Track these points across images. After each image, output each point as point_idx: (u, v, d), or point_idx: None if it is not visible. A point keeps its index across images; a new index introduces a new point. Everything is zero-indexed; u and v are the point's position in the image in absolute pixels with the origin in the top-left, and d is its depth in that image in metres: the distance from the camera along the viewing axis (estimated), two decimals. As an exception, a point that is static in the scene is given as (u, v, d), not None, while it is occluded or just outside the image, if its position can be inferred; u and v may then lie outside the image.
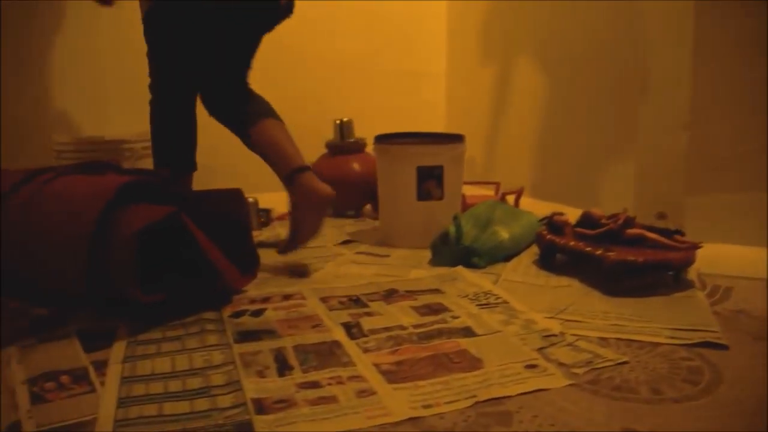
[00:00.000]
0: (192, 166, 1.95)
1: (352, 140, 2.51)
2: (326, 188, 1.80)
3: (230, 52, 2.00)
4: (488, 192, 2.50)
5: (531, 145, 2.71)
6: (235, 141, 1.98)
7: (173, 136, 1.93)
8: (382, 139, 2.06)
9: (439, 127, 3.15)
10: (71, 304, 1.40)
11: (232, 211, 1.48)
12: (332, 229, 2.26)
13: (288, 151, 1.85)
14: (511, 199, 2.35)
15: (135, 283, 1.24)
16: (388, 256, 1.89)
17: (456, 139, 2.02)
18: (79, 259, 1.23)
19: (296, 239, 1.83)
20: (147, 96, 1.90)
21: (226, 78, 2.01)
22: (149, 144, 2.36)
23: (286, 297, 1.50)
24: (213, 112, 2.02)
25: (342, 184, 2.42)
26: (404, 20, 3.10)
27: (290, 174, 1.80)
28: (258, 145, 1.91)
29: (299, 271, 1.71)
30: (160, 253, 1.35)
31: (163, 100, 1.91)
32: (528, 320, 1.34)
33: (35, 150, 2.50)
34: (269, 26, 2.00)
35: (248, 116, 1.94)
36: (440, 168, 1.95)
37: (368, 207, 2.54)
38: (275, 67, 2.88)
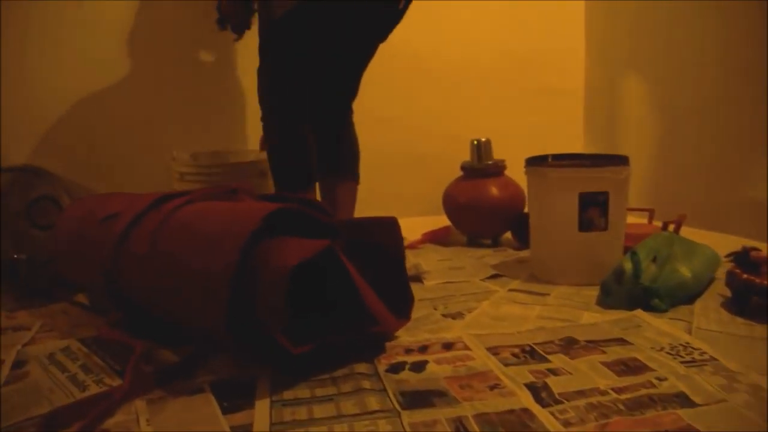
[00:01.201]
0: (311, 181, 1.88)
1: (490, 162, 2.28)
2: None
3: (351, 57, 1.93)
4: (639, 219, 2.22)
5: (685, 167, 2.41)
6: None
7: (291, 152, 1.84)
8: (535, 162, 1.83)
9: (576, 147, 2.89)
10: (205, 349, 1.22)
11: (385, 242, 1.27)
12: (471, 260, 2.04)
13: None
14: (670, 228, 2.07)
15: (283, 329, 1.04)
16: (547, 294, 1.64)
17: (620, 161, 1.76)
18: (220, 299, 1.04)
19: None
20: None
21: (338, 93, 1.97)
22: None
23: (447, 346, 1.27)
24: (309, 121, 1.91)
25: (479, 210, 2.22)
26: (540, 33, 2.86)
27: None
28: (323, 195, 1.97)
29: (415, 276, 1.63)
30: (306, 293, 1.15)
31: (280, 113, 1.84)
32: (753, 385, 1.07)
33: (151, 168, 2.38)
34: (387, 29, 1.93)
35: (334, 166, 1.98)
36: (605, 194, 1.70)
37: (508, 235, 2.29)
38: (408, 83, 2.71)
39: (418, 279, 1.78)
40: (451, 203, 2.29)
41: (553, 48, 2.89)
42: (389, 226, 1.28)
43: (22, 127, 2.34)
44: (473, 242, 2.30)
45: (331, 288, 1.20)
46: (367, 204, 2.61)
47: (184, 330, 1.24)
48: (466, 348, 1.26)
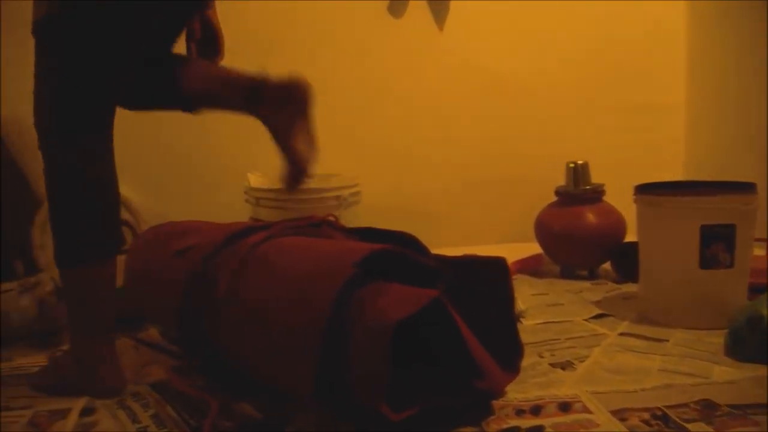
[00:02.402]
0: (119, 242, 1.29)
1: (588, 187, 2.09)
2: (297, 79, 1.45)
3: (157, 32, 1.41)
4: (758, 251, 2.00)
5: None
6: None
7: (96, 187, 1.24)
8: (647, 189, 1.64)
9: (676, 169, 2.67)
10: (289, 404, 1.09)
11: (493, 285, 1.12)
12: (569, 295, 1.86)
13: (233, 73, 1.48)
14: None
15: (383, 391, 0.89)
16: (665, 340, 1.46)
17: (748, 189, 1.56)
18: (309, 354, 0.90)
19: (296, 163, 1.46)
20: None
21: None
22: (358, 190, 2.09)
23: (563, 406, 1.11)
24: (134, 102, 1.50)
25: (576, 239, 2.04)
26: (636, 45, 2.66)
27: (251, 90, 1.45)
28: (198, 92, 1.49)
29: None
30: (404, 344, 1.00)
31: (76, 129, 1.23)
32: None
33: (227, 191, 2.28)
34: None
35: (173, 71, 1.47)
36: (731, 227, 1.50)
37: (606, 266, 2.10)
38: (496, 103, 2.55)
39: (516, 318, 1.62)
40: (545, 231, 2.12)
41: (650, 59, 2.68)
42: (498, 267, 1.12)
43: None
44: (568, 273, 2.12)
45: (432, 338, 1.05)
46: (452, 228, 2.47)
47: (267, 386, 1.10)
48: (586, 410, 1.09)
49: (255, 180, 2.05)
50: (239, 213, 2.13)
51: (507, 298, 1.14)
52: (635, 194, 1.66)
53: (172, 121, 2.26)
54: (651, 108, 2.67)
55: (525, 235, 2.25)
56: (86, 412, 1.17)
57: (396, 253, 0.99)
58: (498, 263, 1.13)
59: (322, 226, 1.22)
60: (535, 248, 2.21)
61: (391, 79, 2.46)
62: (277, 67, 2.16)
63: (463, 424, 1.03)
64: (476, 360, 1.03)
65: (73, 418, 1.14)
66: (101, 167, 1.24)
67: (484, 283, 1.12)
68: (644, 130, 2.66)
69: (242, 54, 2.32)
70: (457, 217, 2.27)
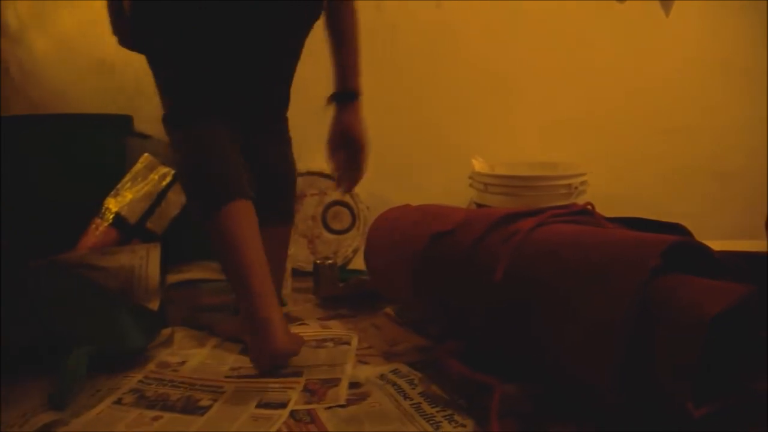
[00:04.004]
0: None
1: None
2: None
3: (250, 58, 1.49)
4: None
5: None
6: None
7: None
8: None
9: None
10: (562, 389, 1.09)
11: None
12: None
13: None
14: None
15: (690, 386, 0.88)
16: None
17: None
18: (612, 345, 0.90)
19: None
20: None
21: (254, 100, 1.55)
22: (586, 179, 2.06)
23: None
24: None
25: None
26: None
27: None
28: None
29: None
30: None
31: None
32: None
33: (447, 176, 2.31)
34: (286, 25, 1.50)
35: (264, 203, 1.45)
36: None
37: None
38: (725, 92, 2.43)
39: None
40: (779, 229, 2.00)
41: None
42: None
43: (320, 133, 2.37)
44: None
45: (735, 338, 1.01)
46: (672, 220, 2.38)
47: (533, 367, 1.11)
48: None
49: (479, 165, 2.07)
50: (457, 197, 2.17)
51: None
52: None
53: (388, 102, 2.34)
54: None
55: (750, 231, 2.14)
56: (354, 384, 1.22)
57: (696, 246, 0.97)
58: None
59: (594, 216, 1.21)
60: (761, 246, 2.09)
61: (613, 67, 2.40)
62: (497, 57, 2.17)
63: (750, 428, 1.00)
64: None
65: (344, 387, 1.20)
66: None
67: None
68: None
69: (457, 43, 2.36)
70: (677, 210, 2.19)
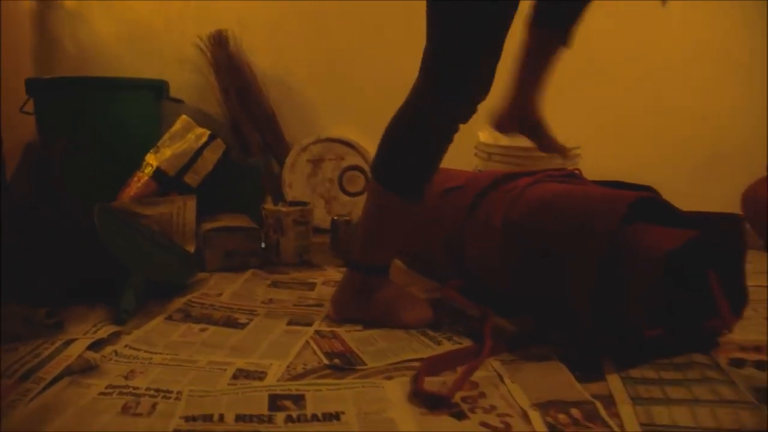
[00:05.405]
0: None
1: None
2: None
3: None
4: None
5: None
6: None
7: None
8: None
9: None
10: (545, 321, 1.31)
11: (728, 239, 1.28)
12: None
13: None
14: None
15: (646, 311, 1.09)
16: None
17: None
18: (587, 277, 1.12)
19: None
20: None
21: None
22: (580, 152, 2.26)
23: (783, 349, 1.26)
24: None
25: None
26: None
27: None
28: None
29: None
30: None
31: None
32: None
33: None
34: None
35: None
36: None
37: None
38: (714, 77, 2.61)
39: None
40: (754, 203, 2.20)
41: None
42: (735, 223, 1.28)
43: (338, 103, 2.58)
44: (770, 247, 2.20)
45: (681, 278, 1.22)
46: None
47: (525, 302, 1.33)
48: (805, 353, 1.24)
49: (484, 136, 2.26)
50: (462, 165, 2.36)
51: (740, 251, 1.29)
52: None
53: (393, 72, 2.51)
54: None
55: (730, 208, 2.33)
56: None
57: (659, 201, 1.18)
58: (733, 218, 1.29)
59: (579, 178, 1.42)
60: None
61: (611, 50, 2.57)
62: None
63: (694, 351, 1.21)
64: (716, 299, 1.20)
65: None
66: None
67: (720, 235, 1.28)
68: None
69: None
70: (666, 188, 2.37)
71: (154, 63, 2.52)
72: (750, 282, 1.71)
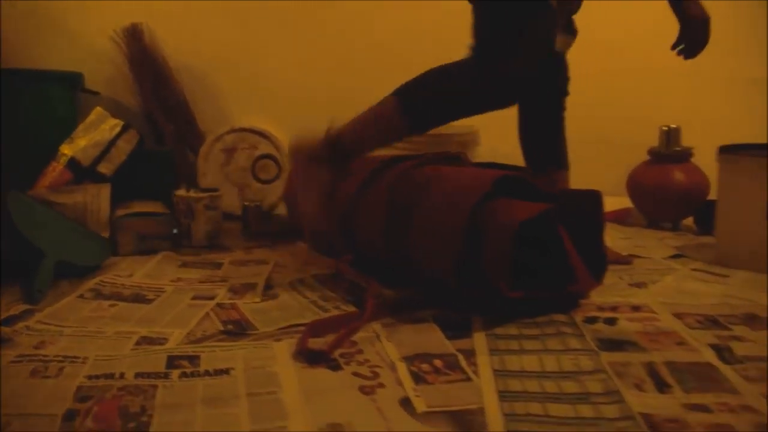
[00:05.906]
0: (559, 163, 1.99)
1: (678, 149, 2.36)
2: None
3: None
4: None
5: None
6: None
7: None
8: (728, 150, 1.91)
9: (762, 139, 2.86)
10: (426, 289, 1.45)
11: (589, 212, 1.44)
12: (653, 240, 2.15)
13: None
14: None
15: (504, 275, 1.24)
16: (727, 276, 1.74)
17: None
18: (453, 246, 1.26)
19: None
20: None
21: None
22: (476, 137, 2.42)
23: (635, 308, 1.43)
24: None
25: (662, 194, 2.31)
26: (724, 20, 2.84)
27: None
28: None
29: (623, 260, 1.80)
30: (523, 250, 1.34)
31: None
32: None
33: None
34: None
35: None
36: (795, 184, 1.76)
37: (687, 221, 2.37)
38: (601, 69, 2.79)
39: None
40: (637, 186, 2.40)
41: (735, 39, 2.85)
42: (594, 198, 1.45)
43: (251, 94, 2.68)
44: (653, 225, 2.39)
45: (542, 245, 1.38)
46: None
47: (406, 272, 1.47)
48: (653, 312, 1.41)
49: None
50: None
51: (599, 222, 1.46)
52: (718, 154, 1.93)
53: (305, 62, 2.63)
54: (738, 80, 2.85)
55: (617, 189, 2.53)
56: (268, 287, 1.56)
57: (520, 178, 1.34)
58: (593, 194, 1.45)
59: (461, 160, 1.57)
60: (625, 202, 2.49)
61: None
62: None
63: (555, 312, 1.37)
64: (573, 266, 1.36)
65: (259, 288, 1.54)
66: None
67: (582, 209, 1.44)
68: (730, 100, 2.86)
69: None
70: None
71: (70, 56, 2.57)
72: (624, 253, 1.92)
